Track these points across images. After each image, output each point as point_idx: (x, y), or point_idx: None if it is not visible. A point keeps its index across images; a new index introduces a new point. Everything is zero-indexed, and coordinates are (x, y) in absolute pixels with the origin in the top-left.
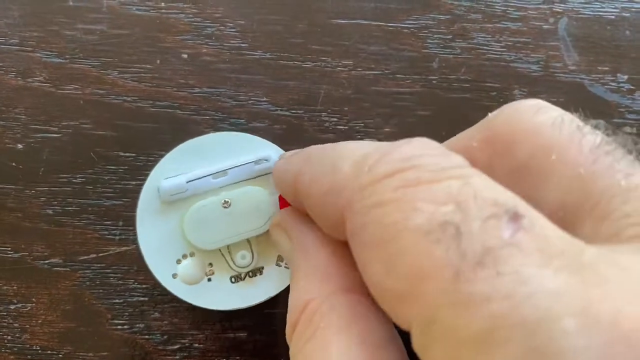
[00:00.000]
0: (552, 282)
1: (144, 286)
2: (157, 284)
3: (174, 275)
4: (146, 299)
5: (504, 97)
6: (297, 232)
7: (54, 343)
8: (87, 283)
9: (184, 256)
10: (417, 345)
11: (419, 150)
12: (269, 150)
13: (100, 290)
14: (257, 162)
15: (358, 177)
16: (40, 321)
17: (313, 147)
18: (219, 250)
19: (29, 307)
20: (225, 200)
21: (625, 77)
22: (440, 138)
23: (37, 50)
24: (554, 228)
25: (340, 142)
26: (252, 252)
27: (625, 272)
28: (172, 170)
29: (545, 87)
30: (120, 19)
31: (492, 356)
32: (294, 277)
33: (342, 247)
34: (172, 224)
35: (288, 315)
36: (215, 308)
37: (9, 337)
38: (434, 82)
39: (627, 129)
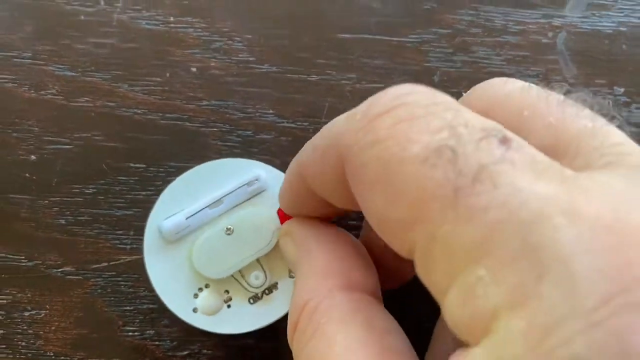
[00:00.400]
0: (543, 189)
1: (154, 294)
2: None
3: (195, 310)
4: (156, 306)
5: None
6: (301, 238)
7: (67, 349)
8: (99, 291)
9: (200, 289)
10: (420, 268)
11: (408, 89)
12: (258, 170)
13: (112, 298)
14: (249, 183)
15: (351, 123)
16: (53, 328)
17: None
18: (232, 276)
19: (43, 314)
20: (227, 228)
21: (622, 90)
22: None
23: (49, 63)
24: (538, 152)
25: None
26: (264, 270)
27: (601, 185)
28: (170, 209)
29: None
30: (131, 33)
31: (492, 257)
32: (296, 280)
33: (343, 247)
34: (180, 260)
35: (289, 317)
36: (240, 332)
37: (23, 344)
38: None
39: None
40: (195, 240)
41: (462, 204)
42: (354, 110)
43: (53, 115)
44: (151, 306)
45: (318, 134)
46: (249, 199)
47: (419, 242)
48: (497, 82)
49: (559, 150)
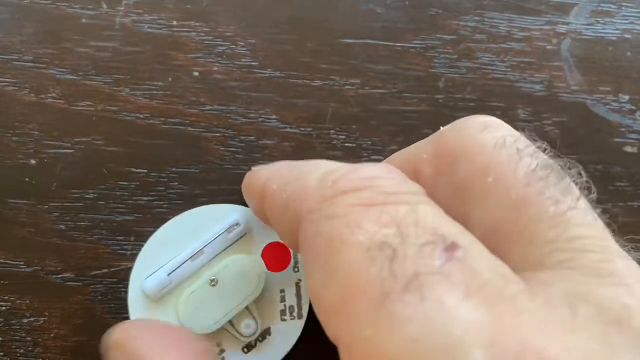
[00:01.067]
0: (468, 313)
1: None
2: None
3: None
4: None
5: (508, 116)
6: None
7: (66, 357)
8: (99, 297)
9: None
10: None
11: (380, 172)
12: (236, 215)
13: (112, 305)
14: (228, 229)
15: (320, 189)
16: (52, 335)
17: (282, 162)
18: (223, 327)
19: (42, 321)
20: (211, 279)
21: (627, 97)
22: None
23: (50, 67)
24: (487, 259)
25: (312, 161)
26: (254, 318)
27: (541, 305)
28: (151, 266)
29: (549, 106)
30: (133, 36)
31: None
32: None
33: None
34: (168, 317)
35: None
36: None
37: (22, 351)
38: (440, 101)
39: (628, 148)
40: (180, 295)
41: (387, 309)
42: (331, 169)
43: (54, 119)
44: None
45: (288, 170)
46: (231, 245)
47: (342, 338)
48: (475, 125)
49: (513, 231)
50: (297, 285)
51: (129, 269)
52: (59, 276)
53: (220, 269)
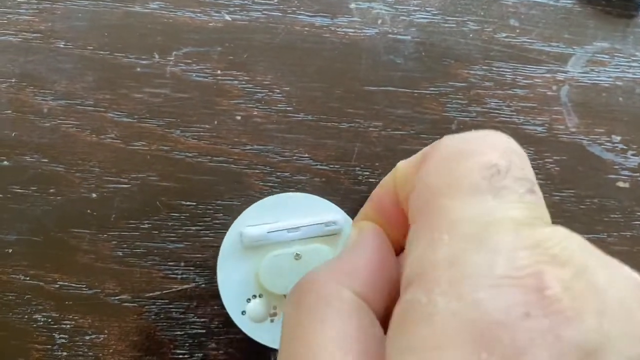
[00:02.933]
0: None
1: (202, 320)
2: (214, 318)
3: (243, 312)
4: (204, 331)
5: None
6: (364, 232)
7: None
8: (153, 317)
9: (254, 296)
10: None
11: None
12: (338, 215)
13: (164, 323)
14: (327, 224)
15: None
16: (111, 350)
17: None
18: (284, 295)
19: (102, 338)
20: (297, 253)
21: (619, 138)
22: None
23: (109, 110)
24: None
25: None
26: None
27: None
28: (252, 221)
29: (549, 146)
30: (182, 84)
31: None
32: (331, 259)
33: (386, 267)
34: (248, 266)
35: (299, 280)
36: (273, 346)
37: None
38: None
39: (621, 184)
40: (267, 253)
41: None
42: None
43: (112, 157)
44: (199, 331)
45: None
46: (322, 236)
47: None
48: (453, 156)
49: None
50: None
51: (179, 292)
52: (117, 298)
53: (307, 249)
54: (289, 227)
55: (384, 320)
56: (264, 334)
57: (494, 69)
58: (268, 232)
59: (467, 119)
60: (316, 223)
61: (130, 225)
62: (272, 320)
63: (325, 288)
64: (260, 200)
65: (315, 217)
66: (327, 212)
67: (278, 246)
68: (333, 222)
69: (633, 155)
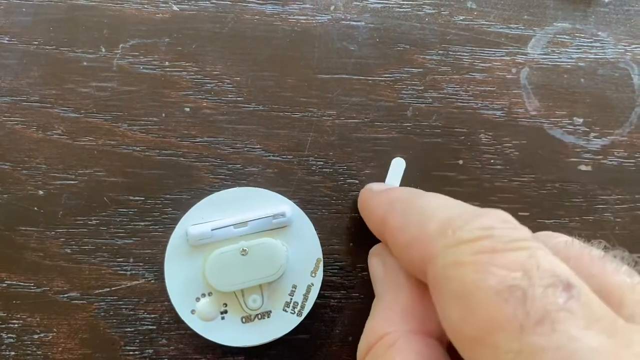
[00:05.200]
0: (593, 341)
1: (152, 316)
2: (164, 314)
3: (192, 311)
4: (154, 327)
5: (471, 141)
6: (392, 266)
7: None
8: (102, 314)
9: (203, 295)
10: None
11: (495, 222)
12: (285, 207)
13: (114, 320)
14: (274, 216)
15: (443, 238)
16: (60, 349)
17: (398, 191)
18: (234, 292)
19: (51, 337)
20: (243, 249)
21: (581, 120)
22: (416, 178)
23: (55, 106)
24: (596, 298)
25: (424, 195)
26: (262, 296)
27: None
28: (199, 218)
29: (509, 131)
30: (129, 77)
31: None
32: (377, 305)
33: (425, 290)
34: (195, 265)
35: (363, 339)
36: (226, 344)
37: None
38: (408, 128)
39: (583, 167)
40: (212, 251)
41: (525, 340)
42: (449, 217)
43: (59, 154)
44: (150, 327)
45: (405, 209)
46: (270, 229)
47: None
48: (543, 235)
49: (601, 298)
50: (309, 287)
51: (129, 288)
52: (66, 295)
53: (254, 244)
54: (235, 222)
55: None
56: (215, 332)
57: (451, 53)
58: (212, 230)
59: (423, 105)
60: (263, 216)
61: (78, 222)
62: (222, 318)
63: (392, 339)
64: (207, 197)
65: (263, 211)
66: (276, 204)
67: (225, 243)
68: (281, 214)
69: (595, 137)
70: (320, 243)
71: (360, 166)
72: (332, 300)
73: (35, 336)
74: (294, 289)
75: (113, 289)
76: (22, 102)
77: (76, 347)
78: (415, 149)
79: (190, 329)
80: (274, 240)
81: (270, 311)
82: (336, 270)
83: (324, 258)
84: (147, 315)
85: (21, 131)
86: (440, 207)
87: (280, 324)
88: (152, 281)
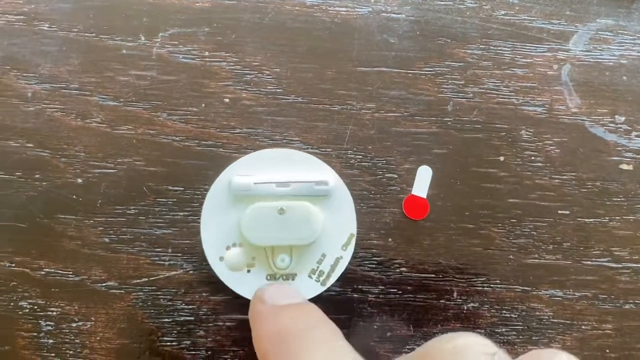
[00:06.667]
0: None
1: (190, 307)
2: (202, 305)
3: (221, 258)
4: (192, 318)
5: (512, 137)
6: None
7: (111, 358)
8: (140, 304)
9: (234, 244)
10: None
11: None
12: (330, 176)
13: (152, 311)
14: (317, 183)
15: None
16: (98, 338)
17: (286, 320)
18: (264, 248)
19: (89, 325)
20: (282, 208)
21: (623, 118)
22: (455, 173)
23: (94, 94)
24: None
25: (310, 346)
26: (291, 258)
27: None
28: (244, 171)
29: (550, 128)
30: (169, 66)
31: None
32: None
33: None
34: (232, 214)
35: None
36: (246, 296)
37: (71, 352)
38: (448, 123)
39: (624, 166)
40: (251, 203)
41: None
42: None
43: (98, 142)
44: (188, 318)
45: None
46: (311, 196)
47: None
48: (546, 356)
49: None
50: (337, 260)
51: (167, 278)
52: (104, 284)
53: (292, 205)
54: (277, 181)
55: None
56: (239, 284)
57: (492, 48)
58: (255, 183)
59: (464, 99)
60: (306, 181)
61: (116, 211)
62: (248, 271)
63: None
64: (255, 152)
65: (307, 175)
66: (320, 171)
67: (264, 199)
68: (324, 182)
69: (637, 136)
70: (358, 238)
71: (399, 160)
72: (370, 296)
73: (74, 324)
74: (322, 258)
75: (151, 279)
76: (62, 90)
77: (114, 337)
78: (455, 144)
79: (229, 321)
80: (312, 205)
81: (296, 274)
82: (374, 266)
83: (362, 253)
84: (185, 307)
85: (60, 119)
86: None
87: (303, 289)
88: (191, 272)
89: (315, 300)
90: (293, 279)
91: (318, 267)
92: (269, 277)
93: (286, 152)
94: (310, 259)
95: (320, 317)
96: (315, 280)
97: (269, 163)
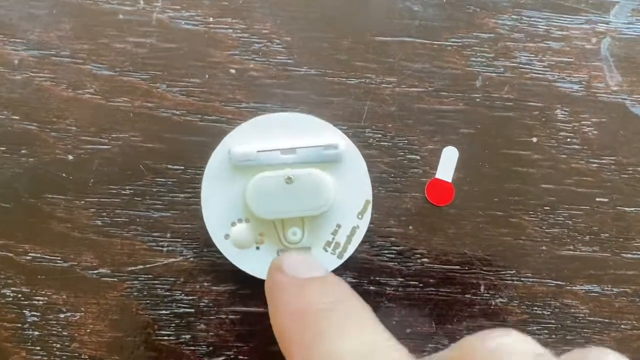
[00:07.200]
0: None
1: (190, 297)
2: (203, 296)
3: (226, 236)
4: (192, 310)
5: (546, 117)
6: None
7: (102, 352)
8: (135, 294)
9: (240, 220)
10: None
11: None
12: (339, 138)
13: (148, 301)
14: (325, 147)
15: None
16: (89, 330)
17: (314, 297)
18: (273, 222)
19: (78, 317)
20: (288, 177)
21: None
22: (483, 155)
23: (87, 62)
24: None
25: (342, 329)
26: (303, 231)
27: None
28: (245, 139)
29: (587, 107)
30: (170, 33)
31: None
32: None
33: None
34: (235, 187)
35: None
36: (256, 276)
37: (58, 345)
38: (477, 100)
39: None
40: (255, 174)
41: None
42: None
43: (91, 115)
44: (188, 310)
45: (316, 346)
46: (320, 162)
47: None
48: (593, 355)
49: None
50: (353, 229)
51: (165, 266)
52: (95, 272)
53: (300, 174)
54: (282, 147)
55: None
56: (248, 262)
57: (525, 18)
58: (258, 152)
59: (494, 74)
60: (314, 145)
61: (110, 191)
62: (257, 248)
63: None
64: (254, 118)
65: (314, 140)
66: (328, 134)
67: (269, 168)
68: (333, 145)
69: None
70: (376, 224)
71: (422, 140)
72: (389, 289)
73: (62, 315)
74: (337, 229)
75: (147, 266)
76: (52, 57)
77: (105, 329)
78: (484, 123)
79: (233, 313)
80: (322, 172)
81: (310, 248)
82: (393, 256)
83: (379, 241)
84: (185, 297)
85: (50, 89)
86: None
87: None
88: (191, 259)
89: None
90: (307, 254)
91: (333, 238)
92: (279, 253)
93: (289, 116)
94: (324, 231)
95: (348, 291)
96: (331, 253)
97: (271, 129)
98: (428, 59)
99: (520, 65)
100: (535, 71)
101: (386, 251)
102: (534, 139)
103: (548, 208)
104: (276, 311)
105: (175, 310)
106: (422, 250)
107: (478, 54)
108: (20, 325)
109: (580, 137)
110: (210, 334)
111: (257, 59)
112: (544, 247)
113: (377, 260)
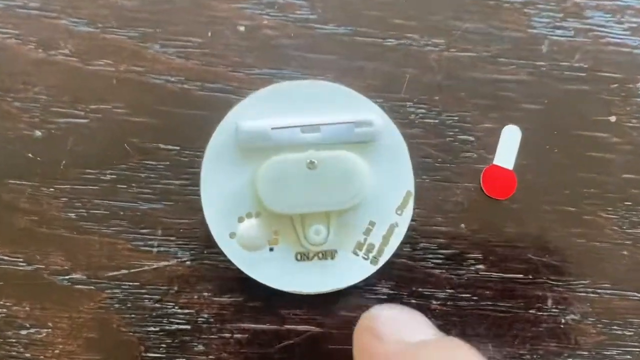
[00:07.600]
0: None
1: (186, 311)
2: (202, 309)
3: (232, 235)
4: (188, 327)
5: (626, 91)
6: None
7: None
8: (116, 306)
9: (249, 215)
10: None
11: None
12: (373, 115)
13: (132, 315)
14: (357, 124)
15: None
16: (57, 352)
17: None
18: (291, 217)
19: (44, 334)
20: (311, 161)
21: None
22: (551, 137)
23: (62, 16)
24: None
25: None
26: (328, 229)
27: None
28: (256, 113)
29: None
30: None
31: None
32: None
33: None
34: (243, 174)
35: None
36: (269, 284)
37: None
38: (542, 69)
39: None
40: (269, 157)
41: None
42: None
43: (65, 81)
44: (182, 327)
45: None
46: (350, 143)
47: None
48: None
49: None
50: (391, 228)
51: (155, 271)
52: (67, 277)
53: (326, 157)
54: (303, 124)
55: None
56: (258, 268)
57: None
58: (272, 129)
59: (563, 38)
60: (343, 122)
61: (87, 176)
62: (271, 249)
63: None
64: (268, 87)
65: (343, 115)
66: (361, 109)
67: (286, 150)
68: (367, 122)
69: None
70: (419, 222)
71: (477, 118)
72: (435, 302)
73: (23, 332)
74: (371, 227)
75: (132, 271)
76: (17, 9)
77: (79, 350)
78: (552, 97)
79: (239, 332)
80: (354, 155)
81: (336, 251)
82: (440, 261)
83: (424, 243)
84: (179, 310)
85: (15, 48)
86: None
87: (347, 270)
88: (187, 263)
89: (358, 297)
90: (332, 258)
91: (366, 239)
92: (299, 257)
93: (311, 84)
94: (354, 229)
95: (472, 354)
96: (363, 257)
97: (289, 101)
98: (483, 17)
99: (595, 28)
100: (613, 35)
101: (432, 255)
102: (613, 118)
103: (630, 203)
104: None
105: (167, 327)
106: (477, 254)
107: (543, 13)
108: None
109: None
110: (211, 357)
111: (272, 13)
112: (625, 252)
113: (421, 266)
